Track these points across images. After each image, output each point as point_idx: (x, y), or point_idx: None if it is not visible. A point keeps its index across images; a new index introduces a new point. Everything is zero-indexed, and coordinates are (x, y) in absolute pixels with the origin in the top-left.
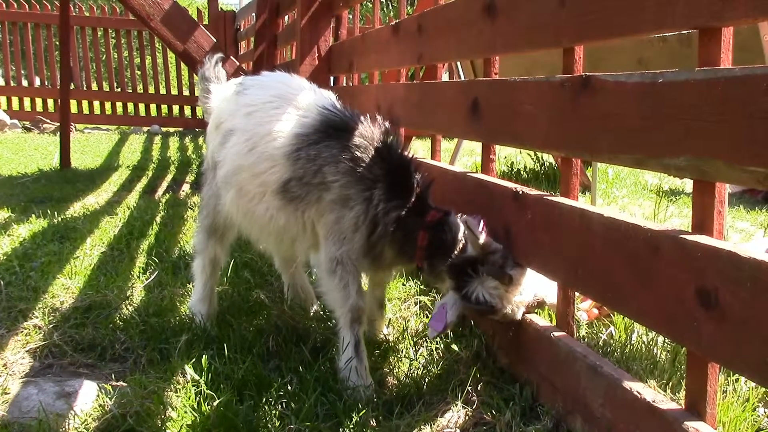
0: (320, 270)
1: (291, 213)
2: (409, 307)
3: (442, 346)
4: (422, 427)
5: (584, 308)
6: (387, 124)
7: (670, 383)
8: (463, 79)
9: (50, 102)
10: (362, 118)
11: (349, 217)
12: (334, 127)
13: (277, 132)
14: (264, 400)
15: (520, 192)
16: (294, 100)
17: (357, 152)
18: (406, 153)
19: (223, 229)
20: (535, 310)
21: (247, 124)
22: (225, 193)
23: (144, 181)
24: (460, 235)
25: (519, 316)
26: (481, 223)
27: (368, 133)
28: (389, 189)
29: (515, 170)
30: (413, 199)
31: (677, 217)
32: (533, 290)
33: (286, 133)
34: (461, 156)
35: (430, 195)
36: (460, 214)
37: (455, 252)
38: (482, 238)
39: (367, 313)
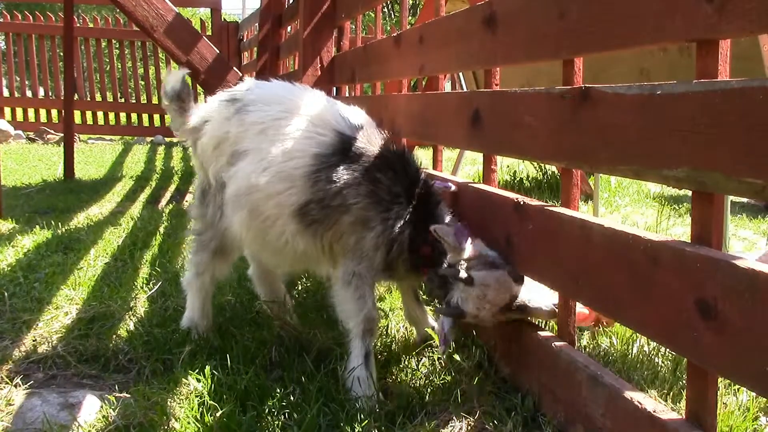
0: (336, 282)
1: (310, 237)
2: None
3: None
4: None
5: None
6: (403, 143)
7: (671, 393)
8: (465, 89)
9: (54, 113)
10: (377, 135)
11: (369, 237)
12: (353, 148)
13: (293, 151)
14: (267, 410)
15: (521, 202)
16: (307, 116)
17: (376, 173)
18: (420, 170)
19: (231, 250)
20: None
21: (259, 142)
22: (233, 213)
23: (147, 191)
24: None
25: (488, 318)
26: (466, 232)
27: (385, 152)
28: (404, 209)
29: (518, 179)
30: (424, 216)
31: (680, 226)
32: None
33: (304, 153)
34: (464, 165)
35: (443, 209)
36: (448, 223)
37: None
38: (464, 244)
39: (379, 325)
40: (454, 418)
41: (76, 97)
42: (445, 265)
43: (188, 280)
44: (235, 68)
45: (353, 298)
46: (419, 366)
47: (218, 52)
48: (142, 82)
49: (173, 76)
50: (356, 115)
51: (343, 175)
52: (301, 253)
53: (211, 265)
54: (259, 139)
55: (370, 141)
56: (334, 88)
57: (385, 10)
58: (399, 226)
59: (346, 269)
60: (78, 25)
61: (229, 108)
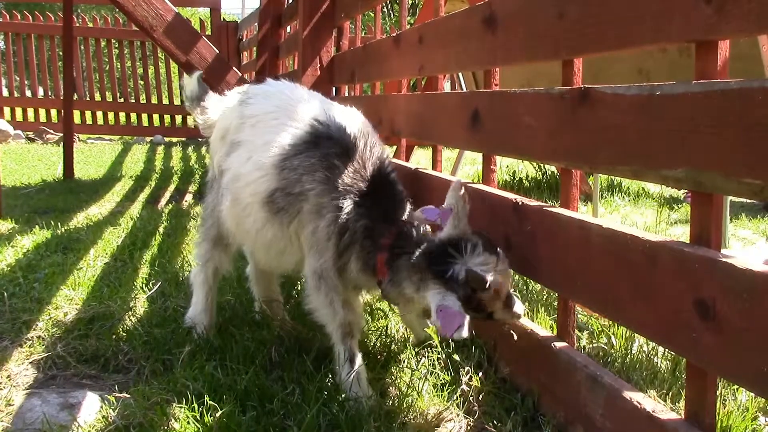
0: (306, 285)
1: (278, 226)
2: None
3: (443, 356)
4: None
5: None
6: (372, 137)
7: (670, 393)
8: (464, 89)
9: (54, 112)
10: (348, 129)
11: (322, 225)
12: (320, 139)
13: (271, 143)
14: (266, 410)
15: (520, 203)
16: (293, 112)
17: (335, 160)
18: (386, 164)
19: (228, 239)
20: None
21: (251, 135)
22: (224, 201)
23: (147, 191)
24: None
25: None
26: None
27: (350, 143)
28: (362, 197)
29: (517, 179)
30: (385, 211)
31: (679, 226)
32: None
33: (279, 144)
34: (463, 165)
35: (406, 207)
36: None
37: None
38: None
39: (359, 326)
40: (454, 418)
41: (75, 96)
42: (448, 237)
43: (193, 274)
44: (234, 68)
45: (324, 304)
46: (419, 366)
47: (217, 51)
48: (142, 82)
49: (190, 80)
50: (351, 116)
51: (303, 162)
52: (270, 241)
53: (212, 254)
54: (252, 131)
55: (342, 134)
56: (334, 88)
57: (385, 10)
58: (354, 213)
59: (310, 268)
60: (77, 24)
61: (235, 100)
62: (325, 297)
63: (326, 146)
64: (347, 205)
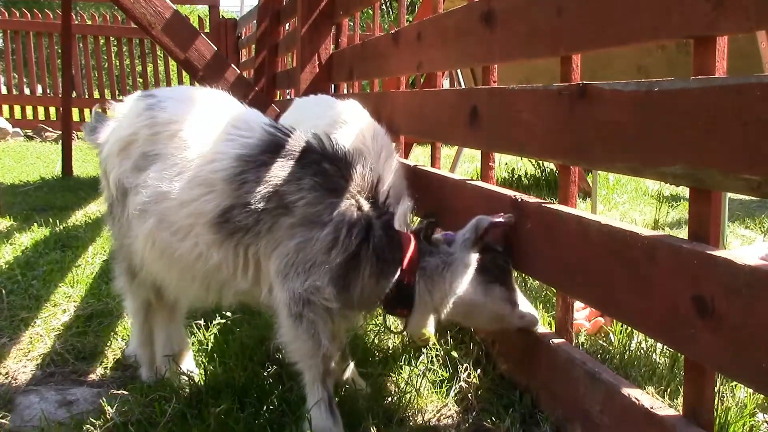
0: (279, 312)
1: (229, 249)
2: None
3: (441, 352)
4: None
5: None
6: (345, 146)
7: (669, 390)
8: (463, 86)
9: (52, 110)
10: (314, 136)
11: (321, 235)
12: (287, 148)
13: (212, 154)
14: (264, 407)
15: (519, 199)
16: (228, 117)
17: (324, 164)
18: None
19: (140, 270)
20: None
21: (171, 146)
22: (140, 224)
23: None
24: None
25: None
26: None
27: (329, 149)
28: (375, 195)
29: (516, 176)
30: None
31: (678, 225)
32: None
33: (225, 155)
34: (462, 162)
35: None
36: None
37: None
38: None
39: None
40: (452, 414)
41: (74, 94)
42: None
43: (125, 304)
44: (233, 65)
45: (305, 336)
46: (417, 363)
47: (216, 49)
48: (140, 80)
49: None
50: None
51: (275, 173)
52: (213, 269)
53: (131, 287)
54: (171, 141)
55: (308, 142)
56: (332, 86)
57: (383, 7)
58: (375, 211)
59: (289, 293)
60: (76, 22)
61: (140, 105)
62: (307, 327)
63: (302, 154)
64: (363, 203)
